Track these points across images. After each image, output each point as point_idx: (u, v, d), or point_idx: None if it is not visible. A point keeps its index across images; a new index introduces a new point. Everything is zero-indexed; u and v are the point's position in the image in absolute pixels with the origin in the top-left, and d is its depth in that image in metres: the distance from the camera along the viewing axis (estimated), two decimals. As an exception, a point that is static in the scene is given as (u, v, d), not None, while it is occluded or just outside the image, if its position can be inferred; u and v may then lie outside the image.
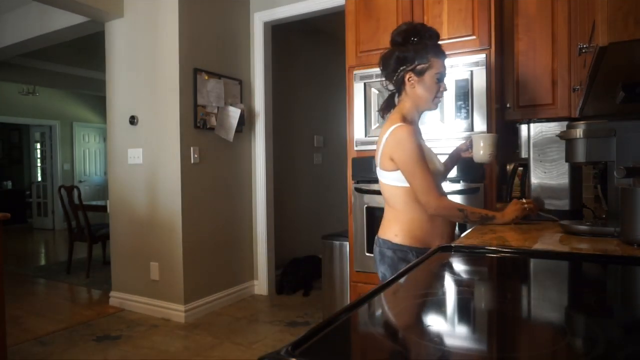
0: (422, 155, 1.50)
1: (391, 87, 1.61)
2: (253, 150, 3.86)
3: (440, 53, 1.53)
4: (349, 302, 2.79)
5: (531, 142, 1.78)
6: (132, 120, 3.44)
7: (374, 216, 2.45)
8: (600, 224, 1.37)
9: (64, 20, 3.82)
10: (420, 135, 1.62)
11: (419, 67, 1.51)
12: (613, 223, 1.30)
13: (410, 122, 1.56)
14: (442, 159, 1.75)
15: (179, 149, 3.22)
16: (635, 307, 0.85)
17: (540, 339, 0.66)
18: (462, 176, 2.33)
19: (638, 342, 0.64)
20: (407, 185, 1.50)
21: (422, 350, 0.62)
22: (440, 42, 1.59)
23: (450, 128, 2.35)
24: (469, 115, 2.30)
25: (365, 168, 2.47)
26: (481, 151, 1.66)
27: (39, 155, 9.11)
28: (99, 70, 6.35)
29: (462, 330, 0.71)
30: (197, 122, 3.33)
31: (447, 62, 2.31)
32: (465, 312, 0.81)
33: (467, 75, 2.29)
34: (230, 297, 3.63)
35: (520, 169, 2.02)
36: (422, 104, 1.56)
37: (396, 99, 1.63)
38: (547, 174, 1.74)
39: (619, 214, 1.19)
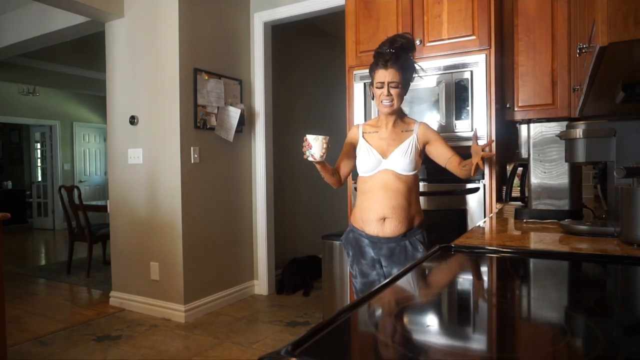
0: (345, 148, 1.97)
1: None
2: (253, 151, 3.86)
3: (382, 64, 1.78)
4: (349, 302, 2.79)
5: (531, 142, 1.78)
6: (132, 120, 3.44)
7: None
8: (600, 224, 1.37)
9: (64, 20, 3.82)
10: (375, 132, 1.91)
11: (371, 79, 1.86)
12: (613, 223, 1.30)
13: (371, 123, 1.95)
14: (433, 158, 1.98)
15: (179, 149, 3.22)
16: (635, 307, 0.85)
17: (540, 339, 0.66)
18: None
19: (638, 342, 0.64)
20: (359, 176, 1.91)
21: (421, 350, 0.62)
22: (389, 50, 1.79)
23: (450, 128, 2.35)
24: (469, 115, 2.30)
25: (365, 168, 2.46)
26: (322, 150, 1.76)
27: (39, 155, 9.11)
28: (99, 70, 6.36)
29: (462, 330, 0.71)
30: (197, 122, 3.33)
31: (447, 62, 2.33)
32: (465, 312, 0.81)
33: (467, 75, 2.29)
34: (230, 297, 3.63)
35: (520, 169, 2.02)
36: (378, 109, 1.88)
37: None
38: (547, 174, 1.74)
39: (619, 214, 1.19)
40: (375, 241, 1.86)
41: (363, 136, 1.91)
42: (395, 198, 1.81)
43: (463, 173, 1.89)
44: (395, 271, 1.79)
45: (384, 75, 1.78)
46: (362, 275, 1.92)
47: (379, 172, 1.84)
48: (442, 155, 1.90)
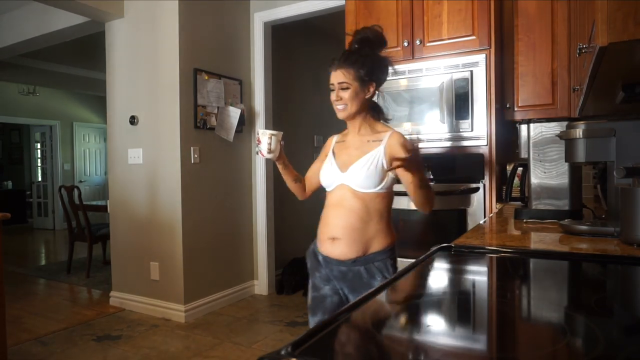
0: (318, 160, 1.78)
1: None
2: (253, 151, 3.86)
3: (332, 66, 1.62)
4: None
5: (531, 142, 1.78)
6: (132, 120, 3.44)
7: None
8: (600, 224, 1.37)
9: (64, 20, 3.82)
10: (343, 142, 1.72)
11: None
12: (613, 223, 1.31)
13: (344, 132, 1.75)
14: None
15: (179, 149, 3.22)
16: (635, 307, 0.85)
17: (540, 339, 0.66)
18: (462, 176, 2.33)
19: (638, 342, 0.64)
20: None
21: (422, 350, 0.62)
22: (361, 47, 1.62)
23: (450, 128, 2.35)
24: (469, 115, 2.30)
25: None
26: (268, 146, 1.63)
27: (39, 155, 9.11)
28: (99, 70, 6.35)
29: (462, 330, 0.71)
30: (197, 122, 3.33)
31: (447, 62, 2.33)
32: (465, 312, 0.81)
33: (467, 75, 2.29)
34: (230, 297, 3.63)
35: (520, 169, 2.02)
36: None
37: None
38: (547, 174, 1.75)
39: (619, 214, 1.19)
40: (328, 261, 1.65)
41: (333, 147, 1.72)
42: (347, 217, 1.57)
43: (414, 200, 1.59)
44: (351, 297, 1.62)
45: (333, 77, 1.61)
46: (313, 289, 1.74)
47: (337, 187, 1.62)
48: (405, 177, 1.54)
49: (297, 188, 1.81)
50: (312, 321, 1.72)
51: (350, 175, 1.58)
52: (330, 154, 1.70)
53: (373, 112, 1.67)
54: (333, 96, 1.62)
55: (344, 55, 1.61)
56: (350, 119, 1.65)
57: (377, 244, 1.60)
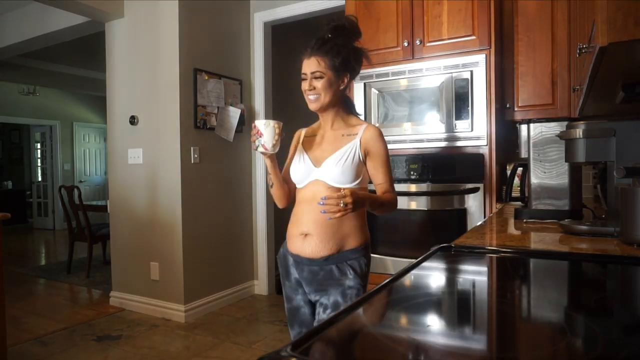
0: (290, 158, 1.65)
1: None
2: (253, 150, 3.85)
3: (306, 54, 1.56)
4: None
5: (531, 142, 1.78)
6: (132, 120, 3.44)
7: (373, 216, 2.44)
8: (600, 224, 1.37)
9: (64, 20, 3.82)
10: (314, 137, 1.63)
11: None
12: (613, 223, 1.31)
13: (313, 126, 1.67)
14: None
15: (179, 149, 3.22)
16: (635, 307, 0.85)
17: (540, 339, 0.66)
18: (462, 176, 2.33)
19: (638, 342, 0.64)
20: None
21: (422, 350, 0.62)
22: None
23: (450, 128, 2.35)
24: (469, 115, 2.30)
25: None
26: (274, 138, 1.47)
27: (39, 155, 9.11)
28: (99, 70, 6.36)
29: (462, 330, 0.71)
30: (197, 122, 3.33)
31: (447, 62, 2.33)
32: (465, 312, 0.81)
33: (467, 75, 2.29)
34: (230, 297, 3.63)
35: (520, 169, 2.03)
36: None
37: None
38: (546, 174, 1.75)
39: (618, 214, 1.19)
40: (298, 261, 1.55)
41: (302, 142, 1.63)
42: (320, 212, 1.44)
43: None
44: (315, 298, 1.54)
45: (306, 65, 1.53)
46: (287, 300, 1.63)
47: (310, 183, 1.53)
48: (373, 177, 1.55)
49: (283, 191, 1.65)
50: (292, 334, 1.64)
51: (325, 170, 1.50)
52: (300, 148, 1.60)
53: (345, 106, 1.60)
54: (305, 85, 1.53)
55: (317, 43, 1.53)
56: (323, 111, 1.56)
57: (352, 242, 1.53)
